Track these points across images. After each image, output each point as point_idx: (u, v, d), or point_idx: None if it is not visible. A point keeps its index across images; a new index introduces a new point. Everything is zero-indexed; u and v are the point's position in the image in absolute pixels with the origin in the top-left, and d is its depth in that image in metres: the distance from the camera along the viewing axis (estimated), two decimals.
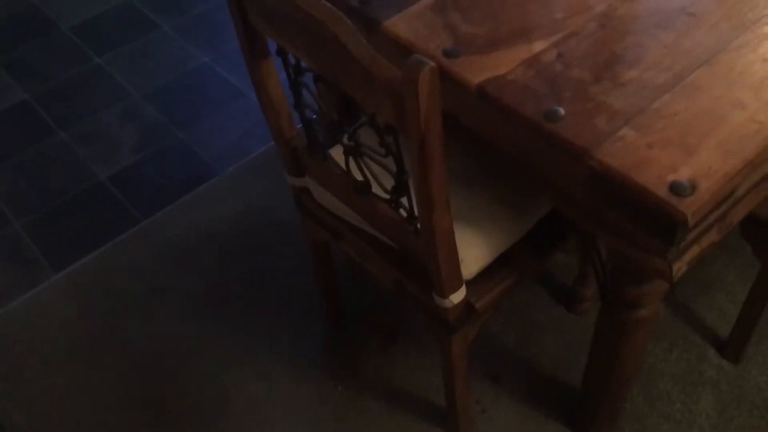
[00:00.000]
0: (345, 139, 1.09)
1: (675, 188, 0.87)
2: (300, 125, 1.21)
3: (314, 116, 1.16)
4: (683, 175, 0.89)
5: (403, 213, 1.09)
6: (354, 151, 1.08)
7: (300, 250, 1.78)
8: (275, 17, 0.99)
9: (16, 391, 1.60)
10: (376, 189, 1.12)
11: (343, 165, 1.15)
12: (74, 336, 1.69)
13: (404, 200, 1.07)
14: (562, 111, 0.99)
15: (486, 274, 1.17)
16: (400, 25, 1.14)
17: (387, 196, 1.09)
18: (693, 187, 0.87)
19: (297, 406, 1.54)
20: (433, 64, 0.80)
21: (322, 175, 1.25)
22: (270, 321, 1.68)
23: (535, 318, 1.63)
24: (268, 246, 1.83)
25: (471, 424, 1.47)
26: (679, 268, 0.96)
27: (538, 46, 1.09)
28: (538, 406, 1.50)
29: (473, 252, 1.14)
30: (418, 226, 1.06)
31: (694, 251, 0.97)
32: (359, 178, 1.13)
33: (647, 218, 0.92)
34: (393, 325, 1.65)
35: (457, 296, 1.11)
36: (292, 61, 1.07)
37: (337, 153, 1.22)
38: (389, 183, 1.06)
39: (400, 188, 1.04)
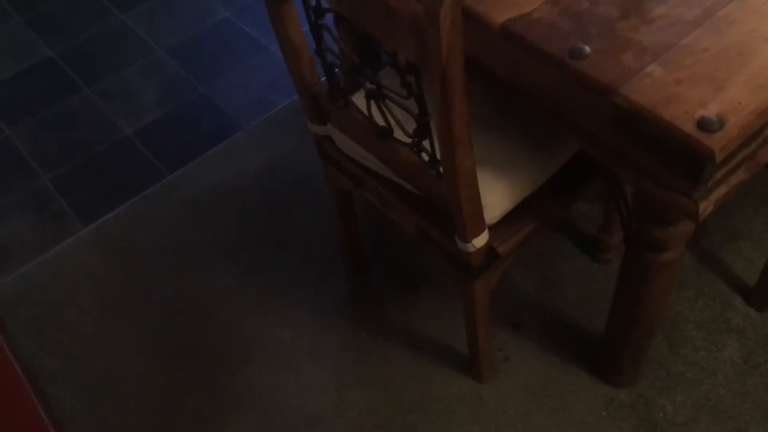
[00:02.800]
0: (367, 83, 1.08)
1: (703, 124, 0.86)
2: (322, 75, 1.20)
3: (336, 61, 1.15)
4: (712, 110, 0.87)
5: (425, 156, 1.08)
6: (376, 95, 1.07)
7: (323, 201, 1.78)
8: None
9: (47, 339, 1.64)
10: (398, 134, 1.11)
11: (364, 110, 1.15)
12: (103, 287, 1.73)
13: (426, 144, 1.06)
14: (588, 49, 0.97)
15: (508, 219, 1.17)
16: None
17: (409, 140, 1.08)
18: (721, 123, 0.85)
19: (321, 351, 1.56)
20: None
21: (344, 122, 1.24)
22: (294, 271, 1.69)
23: (558, 267, 1.63)
24: (292, 198, 1.83)
25: (493, 371, 1.48)
26: (706, 207, 0.94)
27: None
28: (561, 353, 1.50)
29: (496, 196, 1.14)
30: (441, 169, 1.05)
31: (722, 191, 0.96)
32: (381, 123, 1.13)
33: (674, 156, 0.91)
34: (416, 274, 1.65)
35: (480, 240, 1.11)
36: (313, 2, 1.06)
37: (358, 99, 1.21)
38: (411, 127, 1.06)
39: (422, 130, 1.03)
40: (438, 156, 1.04)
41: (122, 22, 2.38)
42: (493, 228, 1.15)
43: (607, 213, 1.54)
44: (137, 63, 2.25)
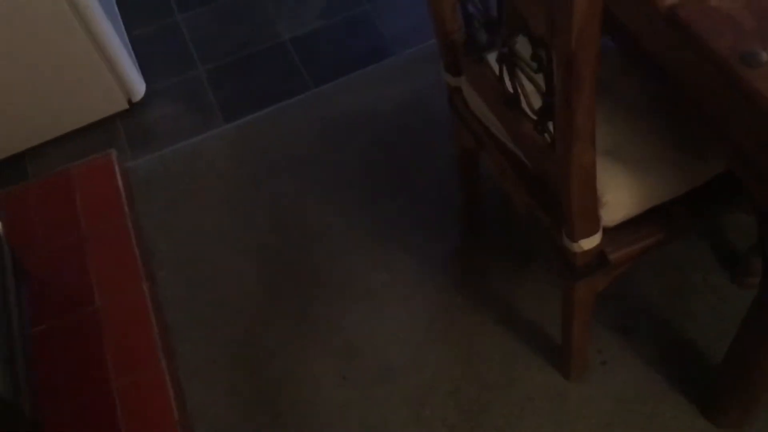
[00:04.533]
0: (501, 45, 0.98)
1: None
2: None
3: (477, 12, 1.05)
4: None
5: (548, 138, 0.97)
6: (507, 60, 0.97)
7: (450, 149, 1.70)
8: None
9: (167, 224, 1.72)
10: (525, 106, 1.00)
11: (497, 72, 1.04)
12: (228, 185, 1.78)
13: (550, 126, 0.95)
14: (765, 56, 0.80)
15: (630, 223, 1.03)
16: None
17: (534, 117, 0.97)
18: None
19: (414, 303, 1.52)
20: None
21: (475, 78, 1.14)
22: (407, 214, 1.65)
23: (691, 278, 1.46)
24: (425, 140, 1.76)
25: (585, 371, 1.37)
26: None
27: None
28: (666, 372, 1.36)
29: (622, 196, 1.01)
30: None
31: None
32: (510, 90, 1.02)
33: None
34: (530, 247, 1.55)
35: (589, 242, 1.00)
36: None
37: (494, 59, 1.10)
38: (538, 103, 0.94)
39: (547, 111, 0.92)
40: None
41: None
42: (609, 231, 1.03)
43: (741, 209, 1.34)
44: None
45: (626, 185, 1.01)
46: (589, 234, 0.99)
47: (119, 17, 2.13)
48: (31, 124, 1.88)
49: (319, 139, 1.82)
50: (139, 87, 1.95)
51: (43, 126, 1.89)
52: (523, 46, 0.95)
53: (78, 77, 1.83)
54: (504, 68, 0.99)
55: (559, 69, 0.76)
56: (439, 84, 1.86)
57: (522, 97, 0.99)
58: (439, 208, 1.65)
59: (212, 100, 1.97)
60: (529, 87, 0.97)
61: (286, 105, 1.91)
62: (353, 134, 1.81)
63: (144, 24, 2.17)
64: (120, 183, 1.75)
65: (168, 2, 2.22)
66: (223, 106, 1.95)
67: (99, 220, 1.70)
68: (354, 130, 1.82)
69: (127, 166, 1.83)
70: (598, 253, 1.03)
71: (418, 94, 1.86)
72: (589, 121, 0.81)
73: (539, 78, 0.89)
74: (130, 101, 1.94)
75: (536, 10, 0.76)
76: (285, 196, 1.73)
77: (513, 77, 0.98)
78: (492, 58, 1.11)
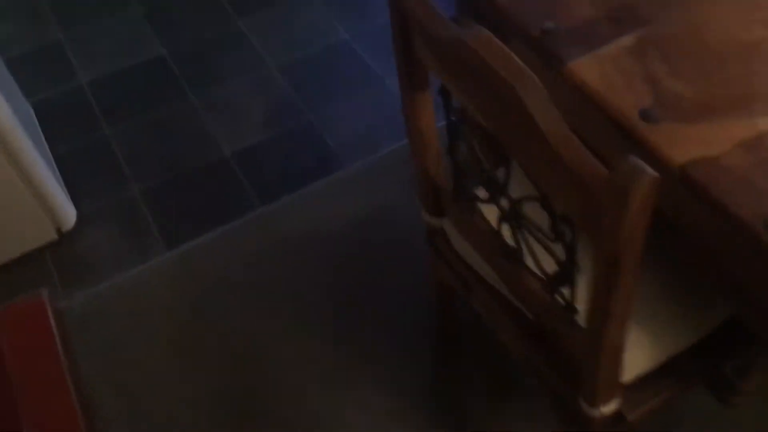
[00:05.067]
0: (501, 201, 0.92)
1: None
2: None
3: (468, 163, 0.99)
4: None
5: (560, 300, 0.91)
6: (511, 219, 0.91)
7: (422, 269, 1.63)
8: (446, 55, 0.82)
9: (109, 373, 1.56)
10: (531, 263, 0.94)
11: (492, 222, 0.98)
12: (175, 321, 1.63)
13: (566, 289, 0.89)
14: None
15: (644, 381, 0.98)
16: (588, 68, 0.94)
17: (542, 276, 0.91)
18: None
19: None
20: (655, 174, 0.61)
21: (463, 224, 1.08)
22: (377, 343, 1.55)
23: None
24: (388, 258, 1.68)
25: None
26: None
27: (765, 123, 0.86)
28: None
29: (636, 355, 0.95)
30: (576, 319, 0.88)
31: None
32: (510, 242, 0.96)
33: None
34: (510, 376, 1.48)
35: (610, 407, 0.93)
36: (456, 104, 0.90)
37: (487, 207, 1.04)
38: (549, 263, 0.88)
39: (563, 278, 0.86)
40: (575, 302, 0.87)
41: (238, 29, 2.29)
42: (625, 390, 0.97)
43: (748, 352, 1.32)
44: (247, 76, 2.15)
45: (641, 343, 0.95)
46: (610, 399, 0.93)
47: (40, 133, 1.98)
48: None
49: (271, 263, 1.71)
50: (68, 214, 1.79)
51: None
52: (529, 207, 0.90)
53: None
54: (504, 223, 0.93)
55: (599, 262, 0.70)
56: (398, 195, 1.81)
57: (527, 253, 0.93)
58: (411, 330, 1.56)
59: (149, 223, 1.83)
60: (534, 241, 0.91)
61: (232, 227, 1.79)
62: (308, 257, 1.71)
63: (68, 139, 2.02)
64: (54, 327, 1.57)
65: (93, 113, 2.08)
66: (161, 229, 1.82)
67: (32, 371, 1.51)
68: (308, 252, 1.72)
69: (60, 306, 1.65)
70: (617, 414, 0.97)
71: (375, 207, 1.79)
72: (628, 308, 0.75)
73: (555, 245, 0.83)
74: (59, 230, 1.78)
75: (565, 193, 0.70)
76: (237, 332, 1.60)
77: (516, 232, 0.92)
78: (483, 204, 1.05)
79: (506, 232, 0.95)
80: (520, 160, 0.77)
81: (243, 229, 1.78)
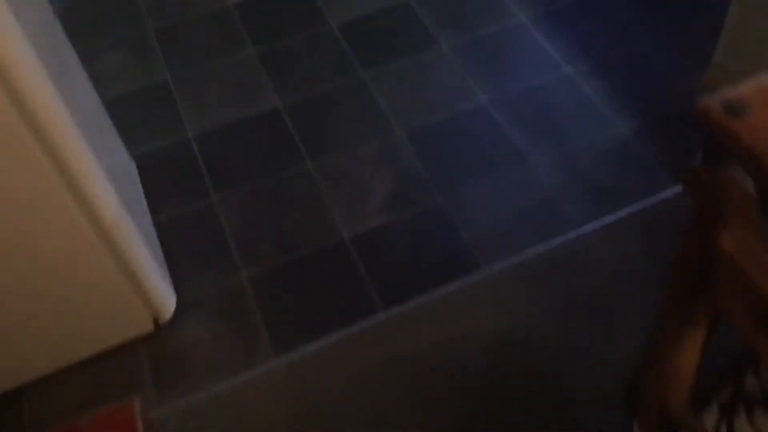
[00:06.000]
0: None
1: None
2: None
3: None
4: None
5: None
6: None
7: (564, 414, 1.35)
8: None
9: None
10: None
11: None
12: None
13: None
14: None
15: None
16: None
17: None
18: None
19: None
20: None
21: None
22: None
23: None
24: (528, 393, 1.41)
25: None
26: None
27: None
28: None
29: None
30: None
31: None
32: None
33: None
34: None
35: None
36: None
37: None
38: None
39: None
40: None
41: (362, 82, 2.04)
42: None
43: None
44: (371, 142, 1.90)
45: None
46: None
47: (143, 197, 1.79)
48: (31, 352, 1.51)
49: (396, 385, 1.46)
50: (168, 301, 1.59)
51: (45, 354, 1.52)
52: None
53: (93, 296, 1.47)
54: None
55: None
56: (542, 313, 1.52)
57: None
58: None
59: (258, 318, 1.61)
60: None
61: (350, 335, 1.55)
62: (430, 381, 1.46)
63: (171, 205, 1.82)
64: None
65: (200, 174, 1.88)
66: (270, 327, 1.59)
67: None
68: (431, 375, 1.46)
69: (151, 418, 1.45)
70: None
71: (514, 325, 1.51)
72: None
73: None
74: (156, 321, 1.58)
75: None
76: None
77: None
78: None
79: None
80: None
81: (363, 338, 1.54)
